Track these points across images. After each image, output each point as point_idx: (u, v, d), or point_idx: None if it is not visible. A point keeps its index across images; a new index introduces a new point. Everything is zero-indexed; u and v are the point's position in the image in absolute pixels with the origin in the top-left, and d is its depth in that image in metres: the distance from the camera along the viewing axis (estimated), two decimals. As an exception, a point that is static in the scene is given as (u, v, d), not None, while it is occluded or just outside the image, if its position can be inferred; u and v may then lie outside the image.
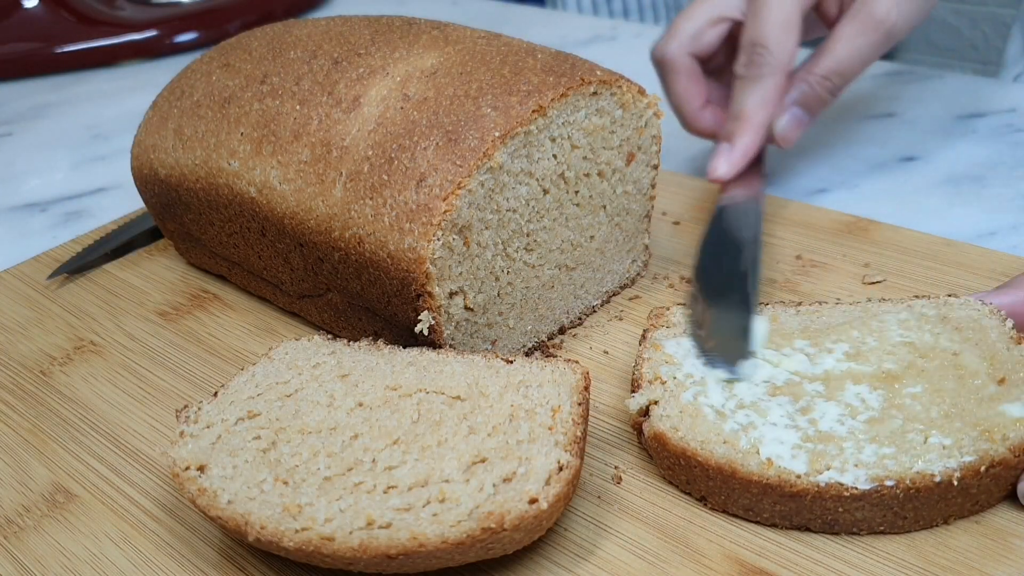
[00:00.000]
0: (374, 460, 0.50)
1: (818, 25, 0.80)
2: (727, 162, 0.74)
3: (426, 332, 0.58)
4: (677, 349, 0.58)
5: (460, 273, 0.59)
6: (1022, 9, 1.21)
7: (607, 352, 0.67)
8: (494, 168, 0.57)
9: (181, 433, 0.52)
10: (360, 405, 0.54)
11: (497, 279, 0.62)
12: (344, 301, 0.66)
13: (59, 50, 1.35)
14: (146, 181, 0.76)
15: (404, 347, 0.59)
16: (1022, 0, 1.22)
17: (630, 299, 0.73)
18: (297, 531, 0.46)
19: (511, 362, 0.56)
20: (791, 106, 0.76)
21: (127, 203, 0.96)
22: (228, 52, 0.74)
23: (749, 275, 0.63)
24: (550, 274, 0.66)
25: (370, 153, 0.59)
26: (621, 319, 0.70)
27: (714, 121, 0.81)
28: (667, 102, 0.83)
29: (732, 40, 0.80)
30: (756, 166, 0.76)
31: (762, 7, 0.73)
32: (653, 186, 0.71)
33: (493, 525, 0.45)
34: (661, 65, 0.81)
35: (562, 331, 0.70)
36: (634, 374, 0.58)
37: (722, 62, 0.85)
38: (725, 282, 0.64)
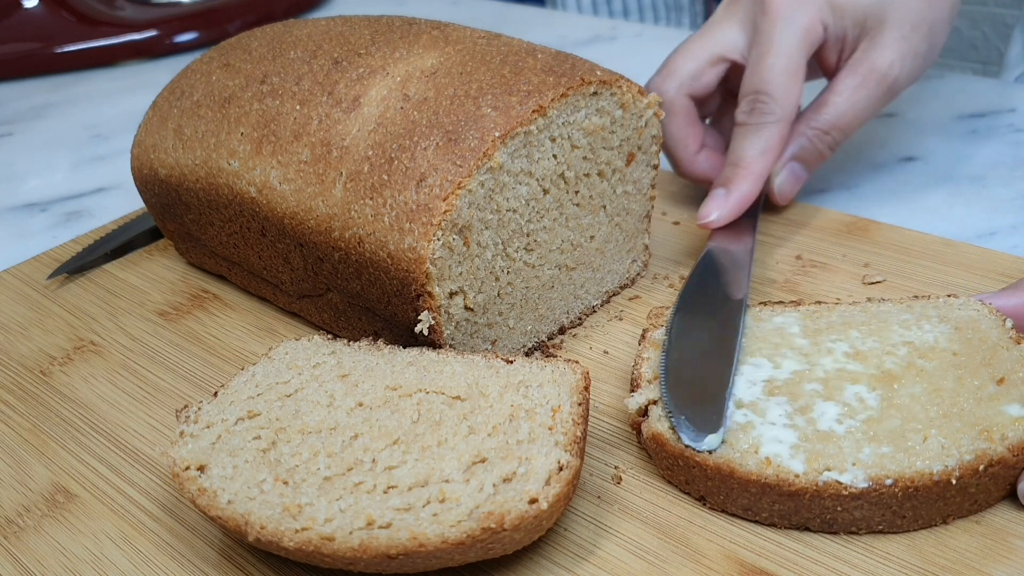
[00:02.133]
0: (374, 460, 0.50)
1: (816, 69, 0.77)
2: (721, 208, 0.70)
3: (426, 332, 0.58)
4: (677, 349, 0.58)
5: (460, 273, 0.59)
6: None
7: (607, 352, 0.67)
8: (494, 168, 0.57)
9: (181, 433, 0.52)
10: (360, 405, 0.54)
11: (497, 279, 0.62)
12: (344, 301, 0.66)
13: (59, 50, 1.35)
14: (146, 181, 0.76)
15: (404, 347, 0.59)
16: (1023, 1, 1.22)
17: (630, 299, 0.73)
18: (297, 531, 0.46)
19: (511, 362, 0.56)
20: (789, 161, 0.74)
21: (127, 203, 0.96)
22: (228, 52, 0.74)
23: (731, 337, 0.57)
24: (550, 274, 0.66)
25: (370, 153, 0.59)
26: (621, 319, 0.70)
27: (709, 166, 0.77)
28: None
29: (727, 82, 0.77)
30: (750, 217, 0.73)
31: (766, 53, 0.70)
32: (653, 186, 0.71)
33: (493, 525, 0.45)
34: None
35: (562, 331, 0.70)
36: (633, 374, 0.58)
37: (716, 105, 0.81)
38: (705, 341, 0.58)
